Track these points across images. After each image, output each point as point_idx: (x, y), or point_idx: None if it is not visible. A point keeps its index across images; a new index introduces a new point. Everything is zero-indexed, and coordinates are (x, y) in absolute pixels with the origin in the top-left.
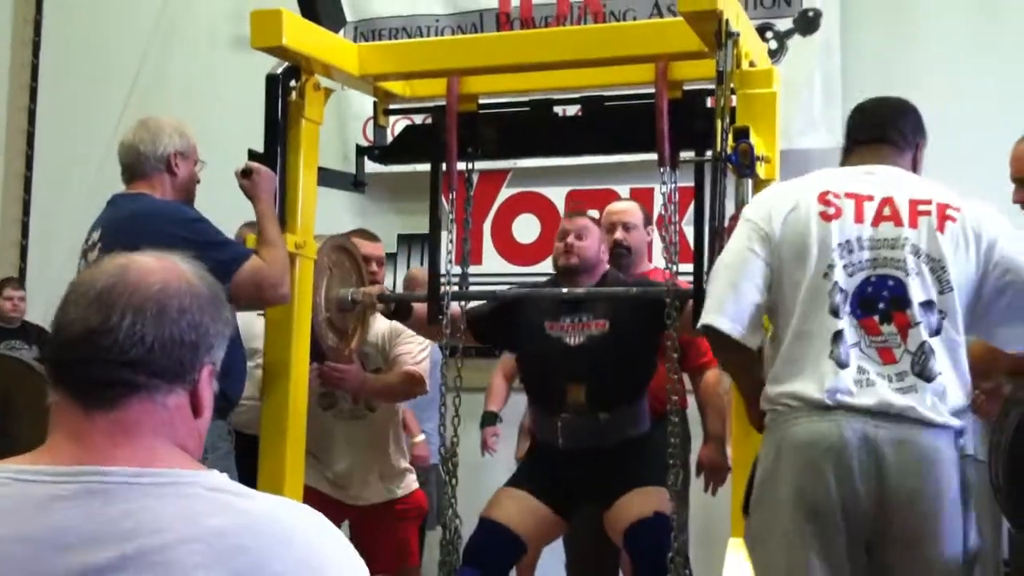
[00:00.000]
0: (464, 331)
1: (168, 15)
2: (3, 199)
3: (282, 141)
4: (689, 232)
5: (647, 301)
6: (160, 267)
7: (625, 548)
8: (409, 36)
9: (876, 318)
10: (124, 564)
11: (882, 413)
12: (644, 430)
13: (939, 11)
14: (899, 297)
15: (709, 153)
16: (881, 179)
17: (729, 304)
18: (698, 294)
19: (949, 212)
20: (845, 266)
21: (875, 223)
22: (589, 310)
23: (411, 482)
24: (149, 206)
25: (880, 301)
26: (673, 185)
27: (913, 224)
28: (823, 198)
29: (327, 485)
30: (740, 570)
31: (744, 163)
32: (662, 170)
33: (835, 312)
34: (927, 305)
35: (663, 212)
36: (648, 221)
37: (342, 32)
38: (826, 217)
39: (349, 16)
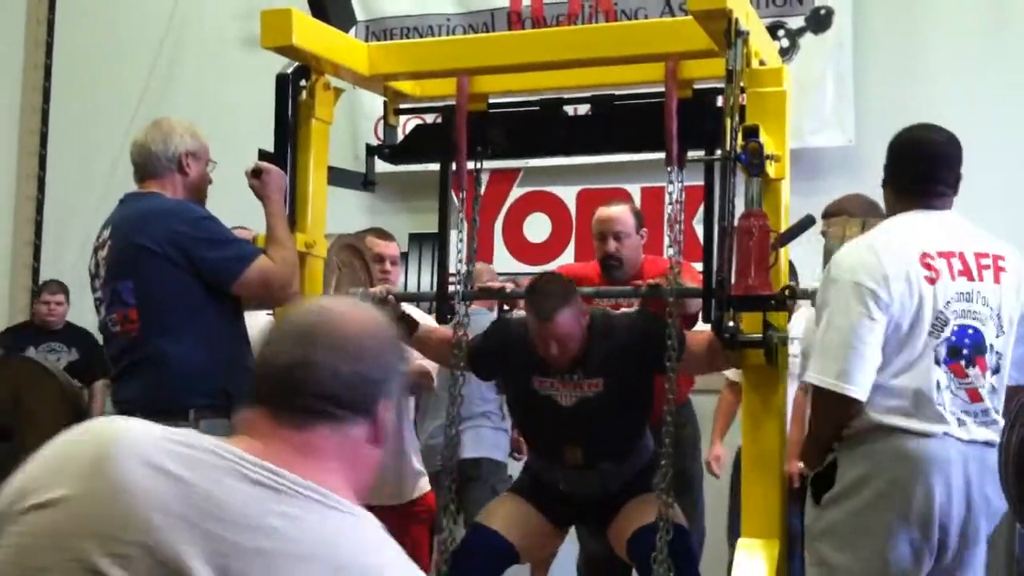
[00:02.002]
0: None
1: (179, 15)
2: (17, 199)
3: (292, 141)
4: (700, 231)
5: (642, 347)
6: (356, 310)
7: (630, 558)
8: (420, 35)
9: (962, 363)
10: (248, 554)
11: (972, 441)
12: (647, 459)
13: (950, 9)
14: (978, 344)
15: (719, 152)
16: (950, 230)
17: (857, 372)
18: (706, 295)
19: (1000, 264)
20: (946, 321)
21: (955, 277)
22: (581, 367)
23: (424, 484)
24: (158, 204)
25: (964, 348)
26: (680, 184)
27: (980, 277)
28: (924, 262)
29: None
30: (749, 570)
31: (753, 162)
32: (669, 169)
33: (939, 362)
34: (993, 349)
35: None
36: (641, 224)
37: (352, 31)
38: (930, 281)
39: (359, 15)
